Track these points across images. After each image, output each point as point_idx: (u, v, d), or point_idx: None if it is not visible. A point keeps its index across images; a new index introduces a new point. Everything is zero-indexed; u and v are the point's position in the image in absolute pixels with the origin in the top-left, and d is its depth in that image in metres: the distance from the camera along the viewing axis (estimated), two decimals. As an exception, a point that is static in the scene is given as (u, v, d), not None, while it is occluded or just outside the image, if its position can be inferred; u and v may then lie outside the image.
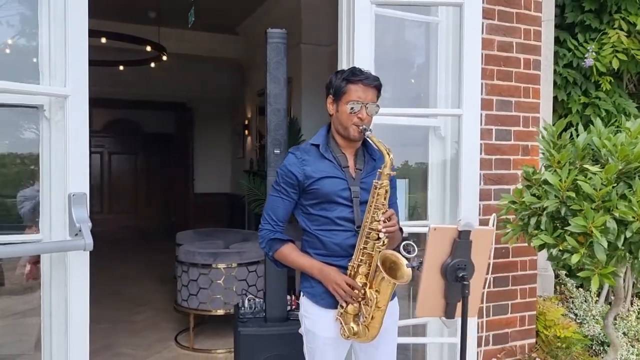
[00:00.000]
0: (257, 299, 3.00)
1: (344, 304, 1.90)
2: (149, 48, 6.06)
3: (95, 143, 9.89)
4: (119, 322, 4.67)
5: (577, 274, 2.05)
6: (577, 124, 3.02)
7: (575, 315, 3.44)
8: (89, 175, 2.10)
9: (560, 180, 1.97)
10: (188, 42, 7.74)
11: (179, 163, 9.84)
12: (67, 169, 2.04)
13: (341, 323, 1.90)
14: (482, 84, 2.86)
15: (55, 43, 2.06)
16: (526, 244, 2.20)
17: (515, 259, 2.98)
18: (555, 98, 3.82)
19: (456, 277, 1.53)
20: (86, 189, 2.07)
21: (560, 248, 1.97)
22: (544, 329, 3.15)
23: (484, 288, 1.65)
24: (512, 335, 3.01)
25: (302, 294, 2.07)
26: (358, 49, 2.59)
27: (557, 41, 3.92)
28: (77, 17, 2.05)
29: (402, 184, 3.12)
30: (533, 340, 3.08)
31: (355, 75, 1.98)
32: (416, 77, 3.07)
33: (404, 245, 1.77)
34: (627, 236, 1.86)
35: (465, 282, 1.54)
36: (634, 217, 1.84)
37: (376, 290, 1.81)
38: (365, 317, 1.80)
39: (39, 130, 2.12)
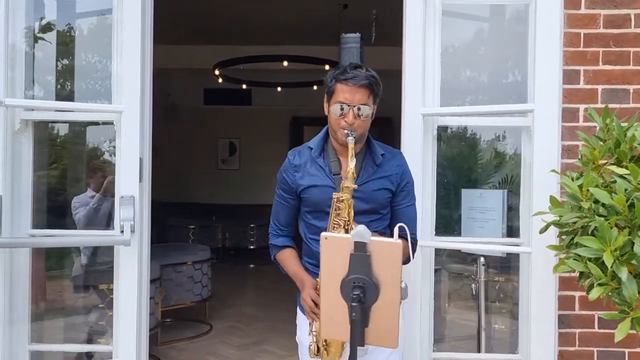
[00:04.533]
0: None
1: (310, 320, 1.80)
2: (327, 67, 6.42)
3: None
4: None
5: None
6: None
7: None
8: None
9: (582, 186, 1.48)
10: (383, 58, 7.92)
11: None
12: (119, 174, 2.38)
13: (313, 339, 1.80)
14: (580, 70, 2.31)
15: (118, 69, 2.44)
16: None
17: None
18: None
19: (352, 296, 1.31)
20: (135, 192, 2.38)
21: (582, 281, 1.49)
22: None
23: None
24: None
25: None
26: (408, 41, 2.37)
27: None
28: (130, 48, 2.38)
29: (498, 196, 2.72)
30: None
31: (343, 73, 1.85)
32: (510, 69, 2.63)
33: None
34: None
35: (362, 303, 1.31)
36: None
37: None
38: (325, 341, 1.68)
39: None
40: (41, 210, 2.64)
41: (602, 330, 2.31)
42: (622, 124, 1.54)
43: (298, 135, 9.32)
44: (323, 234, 1.35)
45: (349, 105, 1.81)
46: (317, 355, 1.78)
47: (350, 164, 1.73)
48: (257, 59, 6.07)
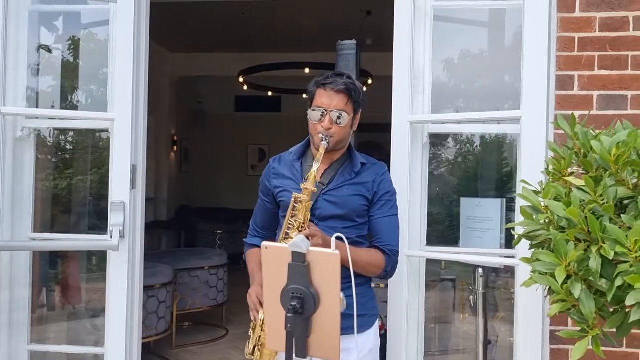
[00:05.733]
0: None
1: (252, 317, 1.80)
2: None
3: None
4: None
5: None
6: None
7: None
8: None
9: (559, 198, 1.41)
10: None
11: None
12: (112, 180, 2.44)
13: (249, 338, 1.79)
14: (574, 76, 2.21)
15: (112, 78, 2.50)
16: None
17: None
18: None
19: (289, 307, 1.29)
20: (126, 199, 2.43)
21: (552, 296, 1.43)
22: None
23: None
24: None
25: None
26: (397, 47, 2.34)
27: None
28: (122, 59, 2.44)
29: (497, 205, 2.64)
30: None
31: (324, 79, 1.86)
32: (506, 75, 2.55)
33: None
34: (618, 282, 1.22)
35: (301, 314, 1.29)
36: (625, 251, 1.20)
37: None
38: (260, 342, 1.66)
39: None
40: (45, 214, 2.74)
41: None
42: (592, 132, 1.46)
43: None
44: (264, 243, 1.34)
45: (326, 110, 1.81)
46: (252, 355, 1.76)
47: (314, 167, 1.73)
48: (279, 67, 6.11)
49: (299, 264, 1.28)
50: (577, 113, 2.21)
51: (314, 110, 1.81)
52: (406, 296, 2.32)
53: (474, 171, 2.79)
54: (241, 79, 6.91)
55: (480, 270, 2.80)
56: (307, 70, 6.26)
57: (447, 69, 2.49)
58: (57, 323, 2.99)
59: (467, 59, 2.53)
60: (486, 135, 2.60)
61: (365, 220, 1.91)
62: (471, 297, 2.83)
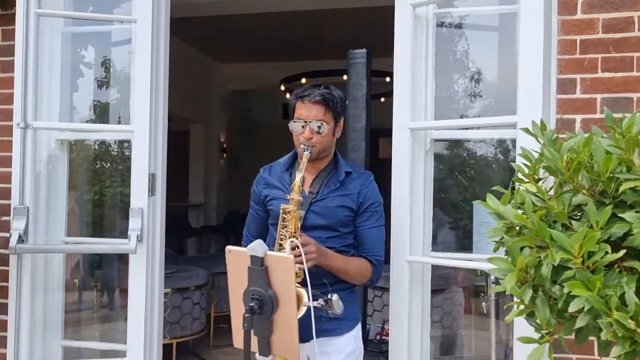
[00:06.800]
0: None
1: None
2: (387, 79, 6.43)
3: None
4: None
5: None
6: None
7: None
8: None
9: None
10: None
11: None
12: (132, 188, 2.61)
13: None
14: (576, 79, 2.17)
15: (132, 92, 2.68)
16: None
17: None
18: None
19: (246, 307, 1.37)
20: (144, 205, 2.59)
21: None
22: None
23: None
24: None
25: None
26: (397, 55, 2.37)
27: None
28: (141, 76, 2.60)
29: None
30: None
31: (302, 91, 1.94)
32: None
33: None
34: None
35: (259, 314, 1.36)
36: (570, 258, 1.19)
37: None
38: None
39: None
40: (78, 219, 2.97)
41: (604, 359, 2.12)
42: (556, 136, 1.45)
43: (374, 146, 9.33)
44: (227, 247, 1.43)
45: (305, 121, 1.88)
46: None
47: (297, 177, 1.80)
48: (317, 74, 6.23)
49: (257, 267, 1.36)
50: (579, 117, 2.18)
51: (294, 122, 1.90)
52: (407, 302, 2.33)
53: (487, 176, 2.77)
54: (282, 87, 7.08)
55: (493, 276, 2.77)
56: (344, 77, 6.33)
57: (450, 75, 2.49)
58: (94, 322, 3.22)
59: (471, 64, 2.52)
60: (495, 141, 2.58)
61: (349, 229, 1.96)
62: (484, 303, 2.80)
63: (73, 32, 2.92)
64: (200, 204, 8.72)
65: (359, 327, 2.03)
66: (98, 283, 3.29)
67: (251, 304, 1.35)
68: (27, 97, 2.54)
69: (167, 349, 4.12)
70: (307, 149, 1.85)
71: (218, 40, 7.30)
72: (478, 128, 2.33)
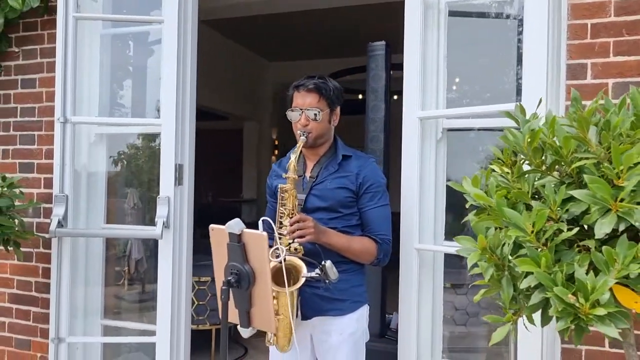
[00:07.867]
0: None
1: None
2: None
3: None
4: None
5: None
6: None
7: None
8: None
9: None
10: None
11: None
12: (161, 177, 2.78)
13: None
14: (587, 64, 2.11)
15: (163, 90, 2.85)
16: None
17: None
18: None
19: (224, 281, 1.46)
20: (170, 194, 2.76)
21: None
22: None
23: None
24: None
25: None
26: (407, 44, 2.39)
27: None
28: (168, 73, 2.77)
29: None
30: None
31: (298, 82, 2.03)
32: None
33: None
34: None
35: (238, 288, 1.45)
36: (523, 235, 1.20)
37: (274, 297, 1.81)
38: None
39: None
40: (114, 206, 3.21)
41: (613, 350, 2.06)
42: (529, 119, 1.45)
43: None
44: (211, 225, 1.53)
45: (300, 109, 1.97)
46: (269, 342, 1.93)
47: (292, 157, 1.89)
48: (355, 70, 6.27)
49: (235, 244, 1.45)
50: (589, 103, 2.12)
51: (292, 110, 1.98)
52: (417, 291, 2.36)
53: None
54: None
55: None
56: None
57: (463, 64, 2.48)
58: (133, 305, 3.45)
59: (483, 53, 2.50)
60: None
61: (351, 210, 2.02)
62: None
63: (112, 33, 3.15)
64: (253, 199, 8.97)
65: (362, 310, 2.07)
66: (140, 270, 3.51)
67: (229, 278, 1.45)
68: (67, 94, 2.77)
69: (207, 335, 4.31)
70: (304, 135, 1.94)
71: (267, 39, 7.50)
72: (479, 117, 2.31)
